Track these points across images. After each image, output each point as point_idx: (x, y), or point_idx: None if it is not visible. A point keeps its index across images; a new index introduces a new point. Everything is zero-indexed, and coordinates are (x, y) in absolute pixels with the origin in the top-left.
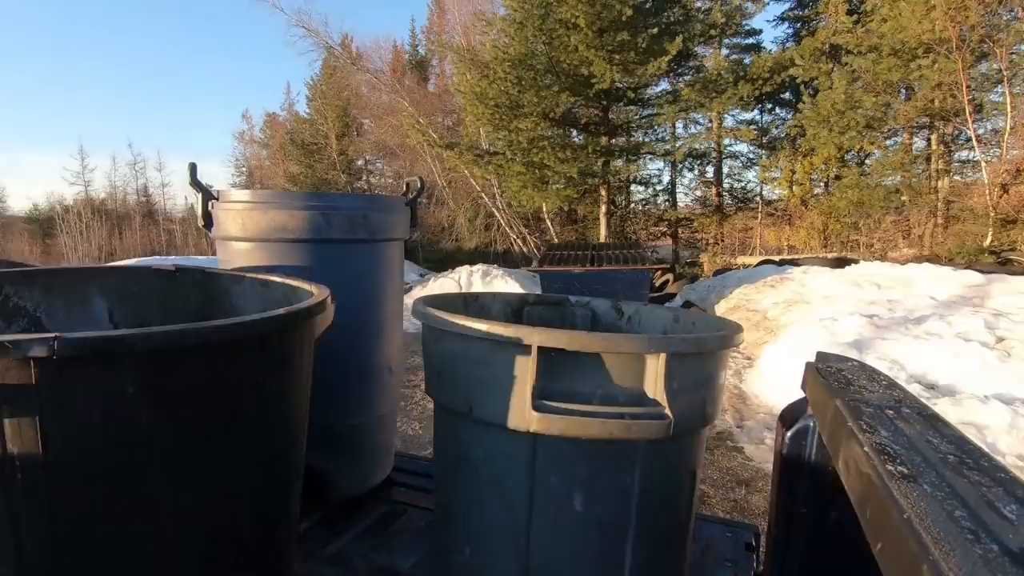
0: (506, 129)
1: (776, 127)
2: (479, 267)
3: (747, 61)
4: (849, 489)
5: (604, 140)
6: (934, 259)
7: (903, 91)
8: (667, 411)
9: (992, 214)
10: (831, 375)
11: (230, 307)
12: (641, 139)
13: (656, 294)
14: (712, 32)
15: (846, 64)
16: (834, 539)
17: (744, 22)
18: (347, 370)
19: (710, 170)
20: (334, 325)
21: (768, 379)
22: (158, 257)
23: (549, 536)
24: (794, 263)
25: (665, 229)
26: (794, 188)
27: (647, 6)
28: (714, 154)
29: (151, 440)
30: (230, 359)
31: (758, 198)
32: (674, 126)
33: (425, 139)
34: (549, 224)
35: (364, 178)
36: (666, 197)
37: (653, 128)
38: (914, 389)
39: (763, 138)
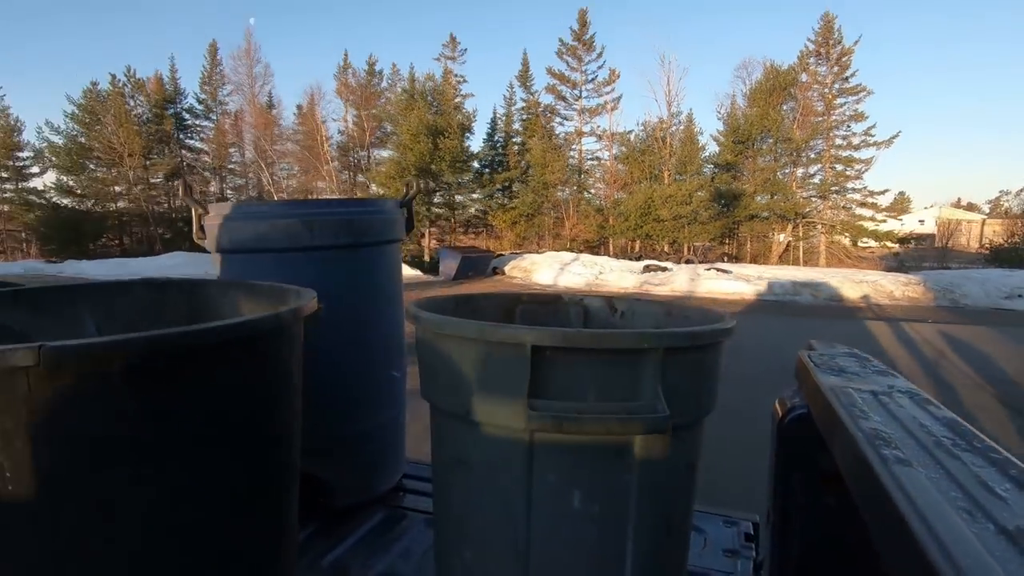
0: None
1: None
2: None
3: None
4: (845, 475)
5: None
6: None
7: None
8: (663, 405)
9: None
10: (823, 363)
11: (219, 316)
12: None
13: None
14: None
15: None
16: (832, 525)
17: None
18: (343, 376)
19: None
20: (327, 331)
21: (539, 280)
22: None
23: (548, 536)
24: (518, 255)
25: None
26: (504, 221)
27: (470, 153)
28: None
29: (142, 448)
30: (219, 362)
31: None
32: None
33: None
34: None
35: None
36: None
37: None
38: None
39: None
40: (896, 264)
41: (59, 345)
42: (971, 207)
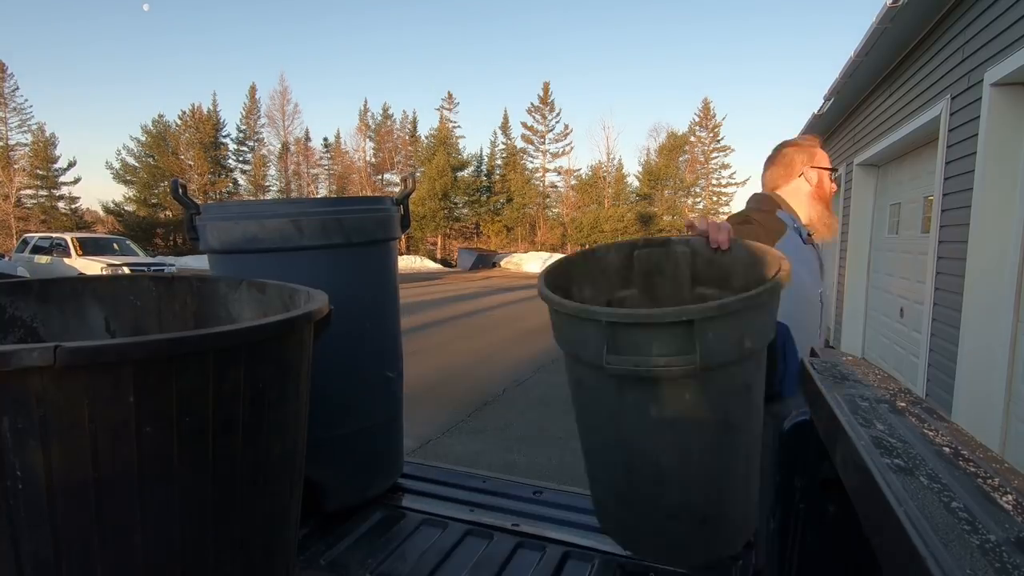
0: (432, 215)
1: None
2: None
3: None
4: (846, 483)
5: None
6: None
7: None
8: (699, 357)
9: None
10: (826, 370)
11: (226, 313)
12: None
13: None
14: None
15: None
16: (832, 533)
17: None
18: (337, 378)
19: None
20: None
21: (528, 270)
22: None
23: (635, 431)
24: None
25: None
26: (493, 230)
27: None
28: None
29: (151, 447)
30: (229, 366)
31: (475, 234)
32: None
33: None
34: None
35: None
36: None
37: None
38: None
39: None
40: None
41: (75, 346)
42: None
